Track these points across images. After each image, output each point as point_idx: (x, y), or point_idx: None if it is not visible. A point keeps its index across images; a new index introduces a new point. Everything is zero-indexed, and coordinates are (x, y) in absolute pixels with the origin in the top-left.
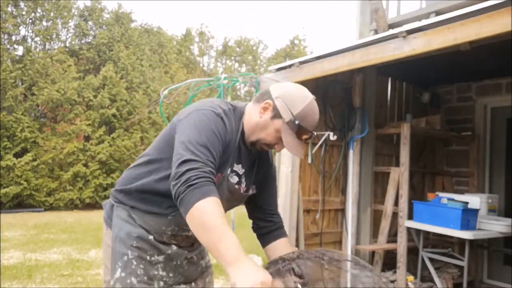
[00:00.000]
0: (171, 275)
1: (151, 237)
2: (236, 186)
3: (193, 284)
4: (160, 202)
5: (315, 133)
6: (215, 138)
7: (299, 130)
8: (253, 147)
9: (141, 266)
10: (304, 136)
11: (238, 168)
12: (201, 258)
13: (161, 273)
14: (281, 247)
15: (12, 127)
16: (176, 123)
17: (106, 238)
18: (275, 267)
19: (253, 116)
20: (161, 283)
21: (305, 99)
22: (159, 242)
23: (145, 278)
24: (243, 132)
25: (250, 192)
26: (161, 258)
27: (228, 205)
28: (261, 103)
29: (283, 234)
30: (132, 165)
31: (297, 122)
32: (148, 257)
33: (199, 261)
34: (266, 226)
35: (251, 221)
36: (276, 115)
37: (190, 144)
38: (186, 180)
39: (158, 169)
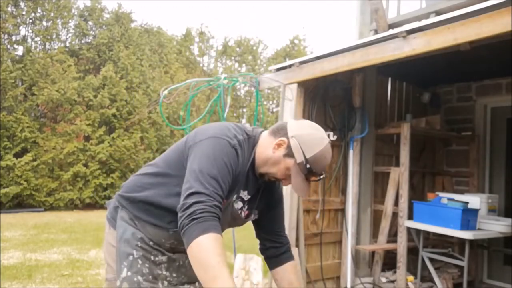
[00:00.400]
0: (174, 275)
1: (152, 242)
2: (239, 212)
3: (196, 284)
4: (162, 216)
5: (324, 175)
6: (226, 170)
7: (309, 173)
8: (261, 178)
9: (146, 265)
10: (313, 178)
11: (244, 194)
12: None
13: (164, 273)
14: (289, 272)
15: (12, 127)
16: (191, 145)
17: (109, 238)
18: None
19: (267, 150)
20: (165, 283)
21: (321, 143)
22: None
23: (150, 277)
24: (253, 161)
25: (252, 217)
26: (164, 258)
27: (228, 226)
28: (276, 138)
29: (290, 257)
30: (139, 172)
31: (308, 166)
32: (152, 257)
33: None
34: (273, 247)
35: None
36: (289, 154)
37: (201, 174)
38: (191, 213)
39: (165, 183)
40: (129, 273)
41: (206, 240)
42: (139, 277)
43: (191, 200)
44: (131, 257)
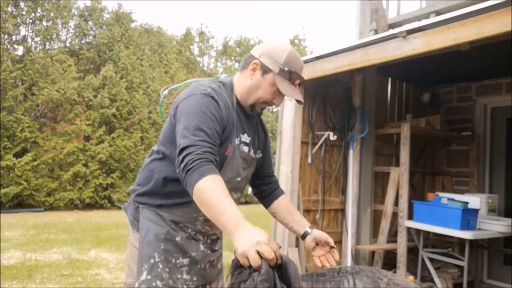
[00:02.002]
0: (194, 278)
1: (178, 238)
2: (248, 153)
3: (213, 284)
4: (182, 190)
5: (305, 78)
6: (208, 118)
7: (291, 76)
8: (254, 110)
9: (167, 269)
10: (297, 81)
11: (245, 137)
12: (219, 261)
13: (185, 276)
14: (285, 203)
15: (12, 127)
16: (174, 113)
17: (132, 241)
18: (331, 277)
19: (245, 81)
20: (185, 287)
21: (286, 47)
22: (189, 239)
23: (170, 282)
24: (239, 103)
25: (259, 155)
26: (186, 261)
27: (245, 173)
28: (247, 69)
29: (281, 191)
30: (143, 167)
31: (286, 69)
32: (173, 260)
33: (217, 263)
34: (267, 188)
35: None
36: (266, 70)
37: (186, 130)
38: (185, 166)
39: (172, 159)
40: (148, 277)
41: (205, 182)
42: (158, 282)
43: (182, 155)
44: (152, 260)
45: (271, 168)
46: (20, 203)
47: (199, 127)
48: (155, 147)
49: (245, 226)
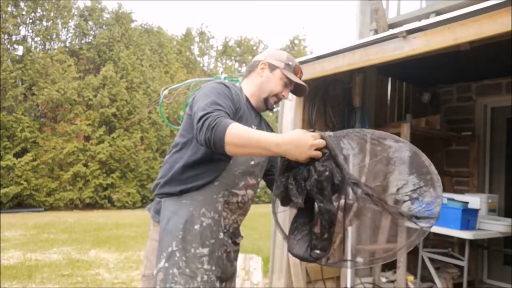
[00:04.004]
0: (213, 268)
1: (197, 225)
2: None
3: (227, 284)
4: (202, 173)
5: (305, 78)
6: (221, 96)
7: (294, 69)
8: (268, 104)
9: (183, 258)
10: (299, 74)
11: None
12: (235, 259)
13: (205, 266)
14: None
15: (12, 127)
16: (190, 105)
17: (153, 234)
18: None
19: (255, 81)
20: (205, 277)
21: (282, 51)
22: (210, 227)
23: (187, 270)
24: (247, 100)
25: None
26: (205, 251)
27: (257, 159)
28: (255, 71)
29: None
30: (165, 161)
31: (290, 63)
32: (192, 250)
33: (234, 260)
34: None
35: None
36: (273, 68)
37: (202, 107)
38: (207, 127)
39: (189, 144)
40: (166, 264)
41: (234, 127)
42: (175, 270)
43: (201, 122)
44: (170, 249)
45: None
46: (20, 203)
47: (215, 102)
48: (176, 140)
49: (287, 137)
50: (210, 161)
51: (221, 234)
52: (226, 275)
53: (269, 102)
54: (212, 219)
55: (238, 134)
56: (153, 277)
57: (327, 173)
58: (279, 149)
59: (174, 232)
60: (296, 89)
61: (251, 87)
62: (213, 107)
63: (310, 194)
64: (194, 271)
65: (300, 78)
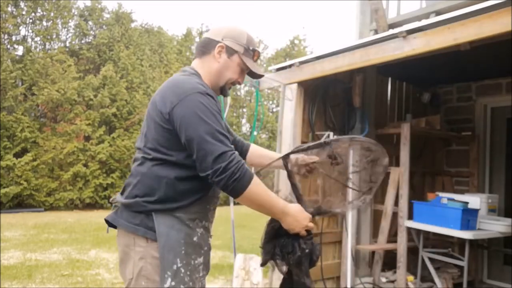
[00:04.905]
0: (205, 272)
1: (195, 237)
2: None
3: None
4: (197, 187)
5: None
6: (218, 118)
7: (253, 54)
8: (224, 92)
9: (188, 273)
10: (256, 57)
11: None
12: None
13: (201, 273)
14: (254, 150)
15: (12, 127)
16: (169, 112)
17: (151, 252)
18: (319, 146)
19: (211, 66)
20: (200, 284)
21: (243, 28)
22: (203, 234)
23: (190, 283)
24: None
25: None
26: (201, 259)
27: None
28: (211, 52)
29: (248, 145)
30: (139, 173)
31: (250, 48)
32: (192, 262)
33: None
34: (240, 153)
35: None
36: (231, 52)
37: (209, 136)
38: (230, 176)
39: (177, 163)
40: (173, 283)
41: (256, 186)
42: (181, 286)
43: (223, 163)
44: (175, 266)
45: (233, 134)
46: (20, 203)
47: (218, 131)
48: (143, 154)
49: (290, 211)
50: (201, 177)
51: (209, 239)
52: (208, 268)
53: (226, 90)
54: (203, 228)
55: (258, 193)
56: None
57: (307, 251)
58: (282, 216)
59: (177, 248)
60: (251, 73)
61: (207, 74)
62: (221, 141)
63: (290, 267)
64: (194, 281)
65: (256, 60)
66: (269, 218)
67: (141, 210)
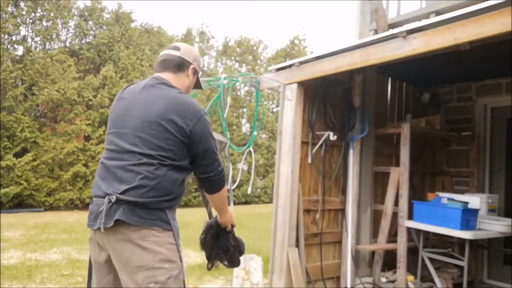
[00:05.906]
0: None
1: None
2: None
3: None
4: (184, 187)
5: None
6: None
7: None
8: None
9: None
10: (201, 74)
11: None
12: None
13: (181, 253)
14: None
15: (12, 127)
16: (191, 129)
17: (167, 239)
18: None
19: (184, 82)
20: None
21: (197, 51)
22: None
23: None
24: None
25: None
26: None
27: None
28: (185, 71)
29: None
30: (156, 175)
31: (201, 65)
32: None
33: None
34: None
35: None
36: (195, 72)
37: (215, 148)
38: (222, 176)
39: (184, 168)
40: (180, 262)
41: (224, 190)
42: (183, 260)
43: (220, 168)
44: (180, 247)
45: None
46: (20, 203)
47: (216, 146)
48: (157, 160)
49: (228, 211)
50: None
51: None
52: None
53: None
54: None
55: (224, 192)
56: (175, 277)
57: (235, 244)
58: (227, 211)
59: (179, 233)
60: (196, 85)
61: (181, 88)
62: (217, 153)
63: (228, 261)
64: (181, 258)
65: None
66: (202, 230)
67: (157, 207)
